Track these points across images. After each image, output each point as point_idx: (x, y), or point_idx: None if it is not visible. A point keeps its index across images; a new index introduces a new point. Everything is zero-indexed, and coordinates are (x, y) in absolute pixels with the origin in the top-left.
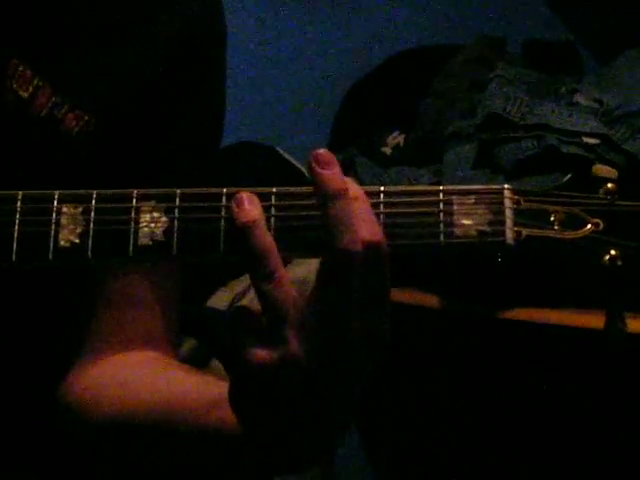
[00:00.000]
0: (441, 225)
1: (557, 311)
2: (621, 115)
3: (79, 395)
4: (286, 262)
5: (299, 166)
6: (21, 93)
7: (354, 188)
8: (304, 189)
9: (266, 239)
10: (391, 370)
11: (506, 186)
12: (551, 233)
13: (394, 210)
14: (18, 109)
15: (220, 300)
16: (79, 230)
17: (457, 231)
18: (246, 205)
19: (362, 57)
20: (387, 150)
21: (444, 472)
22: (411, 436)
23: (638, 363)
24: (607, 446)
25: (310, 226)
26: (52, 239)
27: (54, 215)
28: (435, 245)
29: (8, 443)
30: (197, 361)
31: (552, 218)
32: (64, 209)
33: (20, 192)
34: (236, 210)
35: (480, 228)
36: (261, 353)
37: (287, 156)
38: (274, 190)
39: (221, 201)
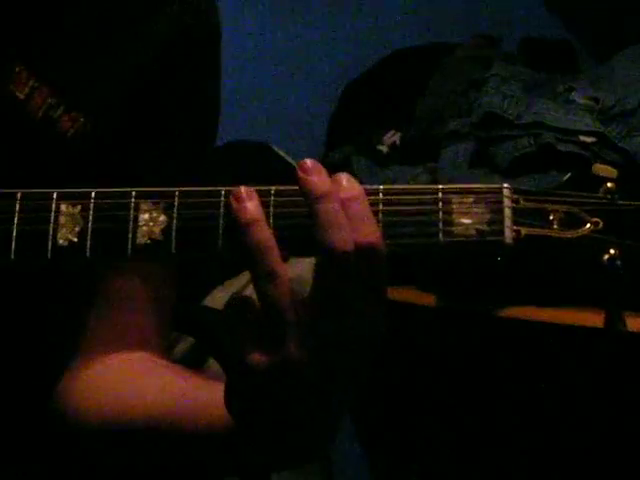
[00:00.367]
0: (440, 224)
1: (556, 309)
2: (617, 113)
3: (70, 400)
4: (283, 260)
5: (294, 164)
6: (17, 94)
7: (353, 188)
8: None
9: (266, 237)
10: (389, 368)
11: (505, 185)
12: (550, 232)
13: (393, 209)
14: (14, 110)
15: (217, 299)
16: (77, 229)
17: (456, 230)
18: (246, 202)
19: (358, 55)
20: (384, 148)
21: (442, 470)
22: (409, 434)
23: (637, 362)
24: (607, 444)
25: (309, 225)
26: (51, 238)
27: (53, 214)
28: (434, 244)
29: (6, 441)
30: (194, 360)
31: (551, 217)
32: (63, 208)
33: (19, 191)
34: (236, 207)
35: (479, 227)
36: (259, 355)
37: (283, 154)
38: (272, 189)
39: (219, 200)
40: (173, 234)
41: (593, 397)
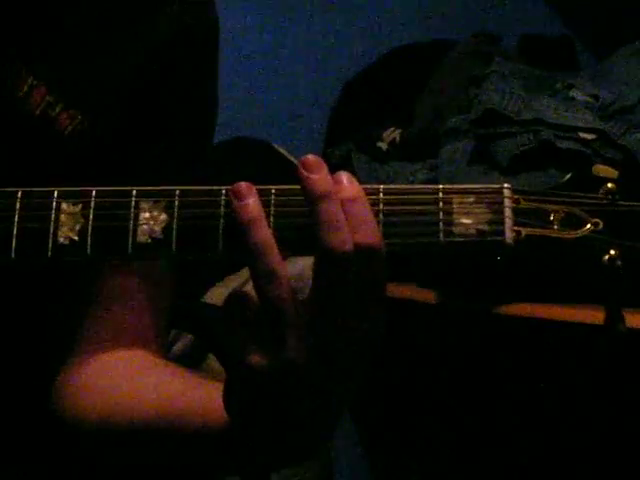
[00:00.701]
0: (440, 224)
1: (555, 307)
2: (617, 110)
3: (68, 399)
4: (283, 257)
5: (295, 162)
6: (16, 92)
7: (353, 188)
8: None
9: (266, 236)
10: (388, 366)
11: (506, 185)
12: (551, 233)
13: (393, 209)
14: (12, 107)
15: (216, 296)
16: (78, 227)
17: (456, 230)
18: (246, 199)
19: (359, 53)
20: (383, 145)
21: (442, 468)
22: (408, 432)
23: (637, 359)
24: (607, 443)
25: (309, 224)
26: (51, 236)
27: (53, 212)
28: (434, 244)
29: (5, 441)
30: (193, 357)
31: (552, 217)
32: (63, 206)
33: (20, 189)
34: (236, 205)
35: (480, 227)
36: (258, 356)
37: (283, 152)
38: (273, 188)
39: (220, 199)
40: (174, 233)
41: (593, 395)
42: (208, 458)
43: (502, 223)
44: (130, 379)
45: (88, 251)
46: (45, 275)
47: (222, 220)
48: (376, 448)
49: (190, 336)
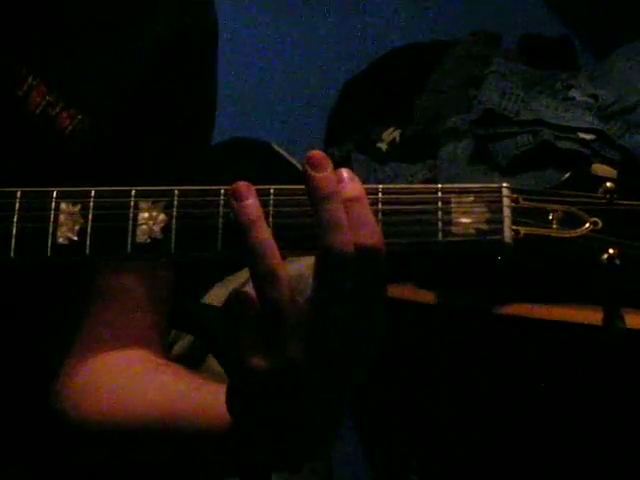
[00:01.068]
0: (439, 223)
1: (554, 307)
2: (616, 110)
3: (70, 400)
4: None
5: (294, 162)
6: (16, 91)
7: (354, 187)
8: (302, 187)
9: (266, 237)
10: (388, 366)
11: (504, 185)
12: (549, 232)
13: (392, 208)
14: (13, 107)
15: (216, 296)
16: (77, 227)
17: (455, 229)
18: (245, 200)
19: (358, 53)
20: (383, 146)
21: (442, 469)
22: (408, 432)
23: (636, 358)
24: (607, 442)
25: (307, 224)
26: (50, 236)
27: (52, 212)
28: (433, 243)
29: (4, 440)
30: (192, 358)
31: (550, 217)
32: (62, 206)
33: (19, 189)
34: (236, 205)
35: (478, 226)
36: (259, 357)
37: (283, 152)
38: (272, 188)
39: (219, 199)
40: (173, 233)
41: (592, 394)
42: (210, 459)
43: (501, 222)
44: (133, 379)
45: (87, 251)
46: (45, 274)
47: (221, 220)
48: (376, 448)
49: (190, 337)
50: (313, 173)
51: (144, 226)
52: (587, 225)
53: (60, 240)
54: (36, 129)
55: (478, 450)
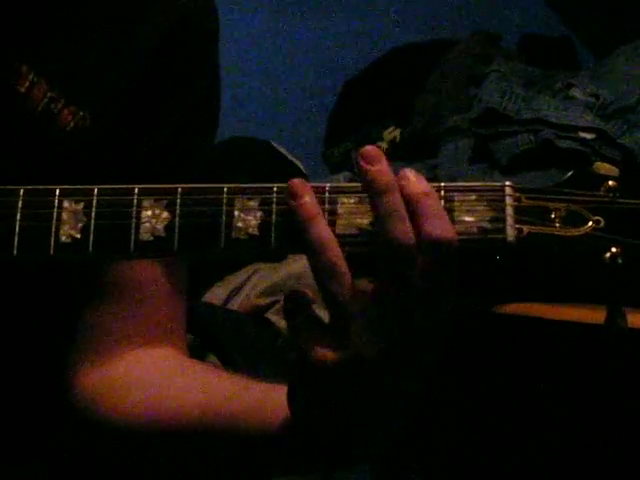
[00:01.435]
0: None
1: (556, 306)
2: (617, 109)
3: (94, 397)
4: (282, 257)
5: (294, 160)
6: (17, 88)
7: (423, 183)
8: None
9: (326, 232)
10: None
11: (507, 183)
12: (552, 230)
13: None
14: (14, 104)
15: (216, 295)
16: (80, 225)
17: (458, 228)
18: (303, 198)
19: (358, 52)
20: (383, 145)
21: (442, 469)
22: (409, 431)
23: (638, 357)
24: (607, 440)
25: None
26: (53, 234)
27: (55, 210)
28: None
29: (18, 439)
30: (192, 356)
31: (553, 215)
32: (65, 204)
33: (22, 187)
34: (294, 204)
35: (481, 225)
36: (326, 351)
37: (283, 150)
38: (275, 186)
39: (222, 197)
40: (176, 231)
41: (593, 394)
42: (263, 458)
43: (504, 221)
44: (171, 378)
45: (90, 249)
46: (58, 268)
47: (224, 218)
48: None
49: (189, 335)
50: (368, 167)
51: (147, 224)
52: (590, 224)
53: (63, 238)
54: (38, 126)
55: (479, 450)
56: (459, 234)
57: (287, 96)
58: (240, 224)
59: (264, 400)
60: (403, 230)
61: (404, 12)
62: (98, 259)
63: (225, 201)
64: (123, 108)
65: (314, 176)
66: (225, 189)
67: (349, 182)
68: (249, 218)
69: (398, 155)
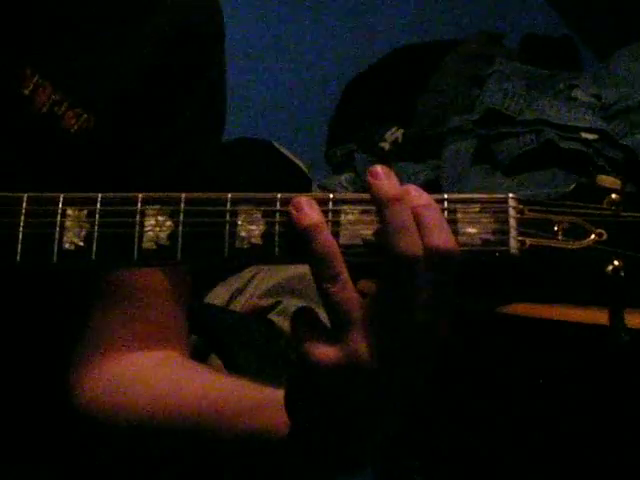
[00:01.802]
0: None
1: (559, 307)
2: (619, 110)
3: (96, 397)
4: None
5: (297, 161)
6: (22, 90)
7: (425, 196)
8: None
9: (330, 241)
10: None
11: (511, 195)
12: (555, 243)
13: None
14: (19, 106)
15: (218, 296)
16: (84, 233)
17: (461, 240)
18: (306, 209)
19: (360, 53)
20: (386, 145)
21: (445, 469)
22: (410, 431)
23: (638, 359)
24: (607, 441)
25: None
26: (56, 241)
27: (59, 217)
28: None
29: (21, 439)
30: (195, 357)
31: (556, 228)
32: (69, 212)
33: (25, 194)
34: (296, 214)
35: (484, 237)
36: (327, 352)
37: (285, 151)
38: (278, 196)
39: (226, 206)
40: (179, 239)
41: (594, 394)
42: (262, 459)
43: (507, 233)
44: (171, 378)
45: (93, 257)
46: (60, 274)
47: (227, 227)
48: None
49: (192, 336)
50: (376, 181)
51: (150, 232)
52: (592, 236)
53: (66, 245)
54: (42, 128)
55: (481, 450)
56: (462, 245)
57: (289, 97)
58: (243, 233)
59: (262, 402)
60: (409, 241)
61: (406, 13)
62: (101, 267)
63: (229, 210)
64: (127, 110)
65: (316, 177)
66: (229, 198)
67: (351, 183)
68: (252, 227)
69: (400, 156)
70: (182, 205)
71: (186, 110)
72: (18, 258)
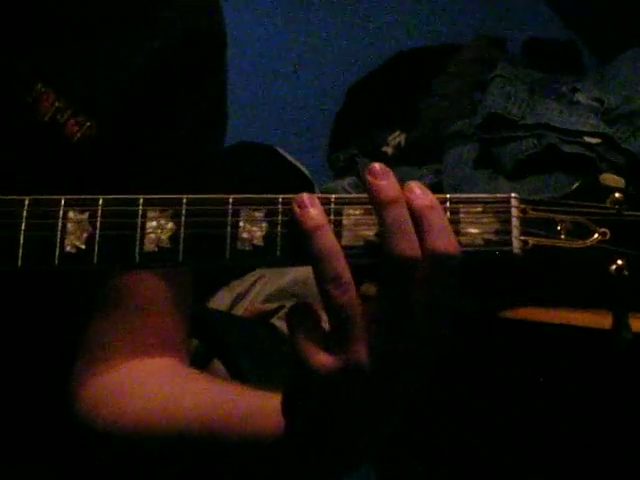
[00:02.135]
0: None
1: (561, 310)
2: (621, 114)
3: (94, 406)
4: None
5: (299, 166)
6: (25, 98)
7: (429, 197)
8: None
9: (333, 242)
10: None
11: (513, 195)
12: (558, 242)
13: None
14: (22, 113)
15: (221, 300)
16: (85, 235)
17: (463, 240)
18: (310, 208)
19: (363, 57)
20: (388, 150)
21: (443, 470)
22: (411, 432)
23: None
24: (607, 443)
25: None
26: (58, 244)
27: (60, 220)
28: None
29: (28, 441)
30: (197, 362)
31: (559, 227)
32: (70, 214)
33: (27, 197)
34: (299, 213)
35: (487, 237)
36: (327, 358)
37: (287, 156)
38: (280, 197)
39: (227, 208)
40: (181, 242)
41: (594, 396)
42: (258, 466)
43: (509, 233)
44: (167, 387)
45: (95, 260)
46: (60, 278)
47: (229, 228)
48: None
49: (194, 341)
50: (375, 181)
51: (152, 235)
52: (595, 236)
53: (68, 248)
54: (45, 136)
55: (482, 452)
56: (464, 246)
57: (292, 101)
58: (245, 235)
59: (259, 407)
60: (407, 243)
61: (409, 17)
62: (102, 270)
63: (230, 212)
64: (129, 114)
65: (319, 181)
66: (230, 200)
67: (354, 187)
68: (254, 229)
69: (403, 160)
70: (183, 207)
71: (189, 113)
72: (20, 261)
